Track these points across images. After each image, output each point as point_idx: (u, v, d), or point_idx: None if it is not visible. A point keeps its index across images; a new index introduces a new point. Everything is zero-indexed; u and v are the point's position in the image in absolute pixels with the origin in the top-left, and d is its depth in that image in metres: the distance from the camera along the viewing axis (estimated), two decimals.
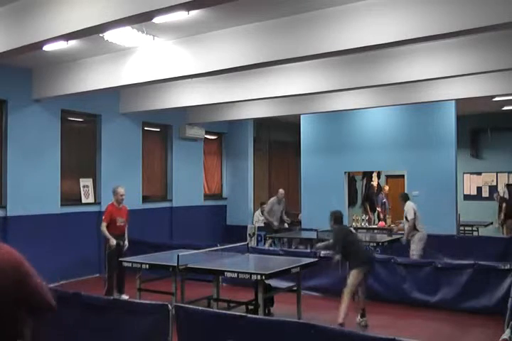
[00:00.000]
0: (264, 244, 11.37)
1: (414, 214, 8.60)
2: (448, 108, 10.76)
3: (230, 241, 9.31)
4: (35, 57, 7.62)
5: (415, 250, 8.55)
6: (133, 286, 6.87)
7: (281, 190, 11.45)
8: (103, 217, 7.58)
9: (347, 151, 11.92)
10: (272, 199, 11.48)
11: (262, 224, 11.92)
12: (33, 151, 8.60)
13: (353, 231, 6.97)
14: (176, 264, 5.99)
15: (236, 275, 5.70)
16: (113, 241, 7.33)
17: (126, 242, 7.69)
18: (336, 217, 6.43)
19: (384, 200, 12.89)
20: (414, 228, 8.59)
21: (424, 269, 7.13)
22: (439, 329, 6.17)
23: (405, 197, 8.96)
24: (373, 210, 13.22)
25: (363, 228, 11.39)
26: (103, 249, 7.78)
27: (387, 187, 13.42)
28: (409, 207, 8.69)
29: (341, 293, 7.57)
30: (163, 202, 11.44)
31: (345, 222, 11.69)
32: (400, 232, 9.46)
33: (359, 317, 6.21)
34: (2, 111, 8.37)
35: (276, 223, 11.27)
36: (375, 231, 11.28)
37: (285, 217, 11.65)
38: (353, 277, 6.07)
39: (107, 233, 7.41)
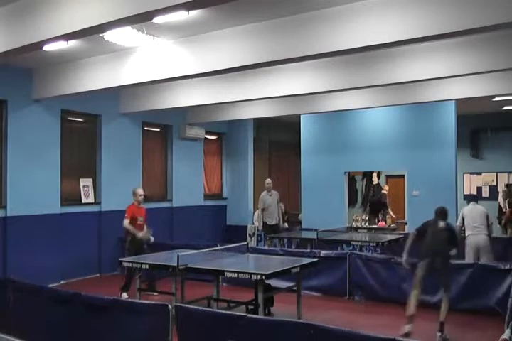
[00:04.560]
0: (264, 244, 11.31)
1: (463, 219, 8.18)
2: (448, 108, 10.76)
3: (230, 241, 9.32)
4: (35, 57, 7.61)
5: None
6: (133, 286, 6.87)
7: (267, 180, 10.90)
8: (125, 215, 7.79)
9: (347, 151, 11.92)
10: (262, 193, 10.86)
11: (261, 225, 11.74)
12: (33, 151, 8.59)
13: (441, 223, 6.18)
14: (176, 264, 5.99)
15: (236, 275, 5.69)
16: (139, 234, 7.67)
17: (152, 236, 7.97)
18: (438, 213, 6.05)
19: (384, 201, 12.83)
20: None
21: None
22: None
23: (467, 200, 8.59)
24: (374, 213, 13.01)
25: (363, 228, 11.41)
26: (123, 246, 8.05)
27: (387, 187, 13.35)
28: (461, 213, 8.33)
29: (341, 293, 7.63)
30: (163, 202, 11.44)
31: (345, 221, 11.82)
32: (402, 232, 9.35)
33: (438, 332, 5.57)
34: (2, 111, 8.37)
35: (271, 220, 10.67)
36: (373, 231, 11.29)
37: (282, 223, 11.00)
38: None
39: (130, 227, 7.70)
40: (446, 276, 5.91)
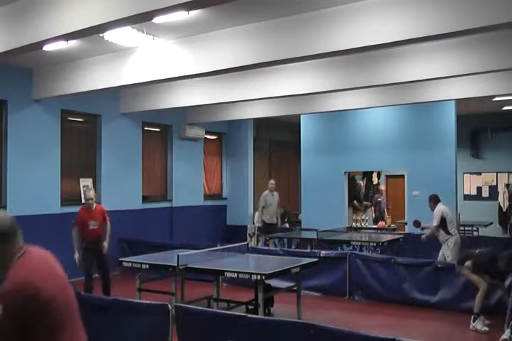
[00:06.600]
0: (258, 243, 11.30)
1: (444, 219, 7.78)
2: (448, 108, 10.76)
3: (230, 241, 9.32)
4: (35, 57, 7.61)
5: (450, 255, 7.80)
6: (133, 286, 6.86)
7: (271, 181, 11.17)
8: (72, 222, 7.17)
9: (347, 151, 11.92)
10: (265, 192, 11.12)
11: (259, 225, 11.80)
12: (32, 151, 8.59)
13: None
14: (176, 264, 5.99)
15: (236, 275, 5.69)
16: (75, 255, 6.95)
17: (106, 243, 7.14)
18: None
19: (379, 199, 12.86)
20: (447, 232, 7.84)
21: (424, 269, 7.13)
22: (439, 329, 6.17)
23: (434, 200, 8.05)
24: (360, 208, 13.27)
25: (362, 228, 11.41)
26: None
27: (383, 187, 13.36)
28: (437, 212, 7.88)
29: (341, 293, 7.63)
30: (163, 202, 11.44)
31: (345, 221, 11.82)
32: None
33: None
34: (2, 111, 8.37)
35: (270, 219, 10.95)
36: (377, 231, 11.30)
37: (281, 224, 11.29)
38: None
39: (73, 242, 6.98)
40: None
